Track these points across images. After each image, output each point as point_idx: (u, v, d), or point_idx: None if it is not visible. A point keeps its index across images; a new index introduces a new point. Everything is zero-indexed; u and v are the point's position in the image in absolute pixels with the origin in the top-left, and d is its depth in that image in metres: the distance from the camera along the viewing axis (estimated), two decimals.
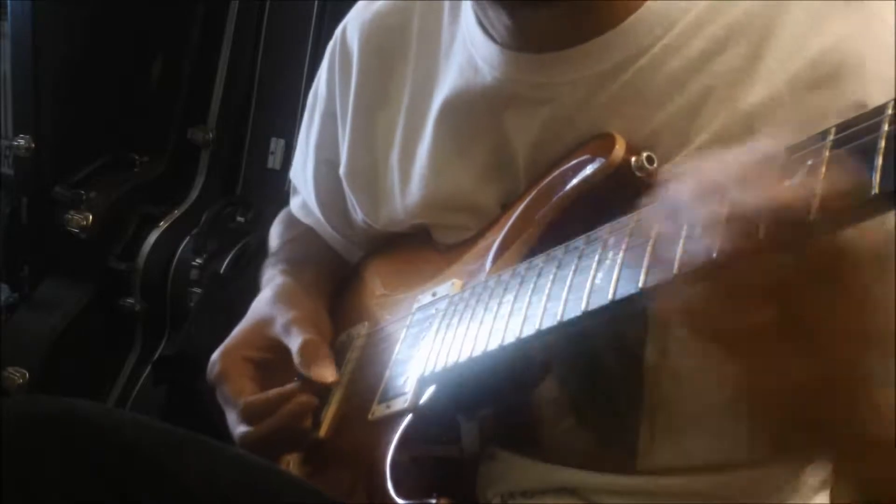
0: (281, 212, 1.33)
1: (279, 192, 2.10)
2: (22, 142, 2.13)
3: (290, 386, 1.02)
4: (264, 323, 1.09)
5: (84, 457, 0.84)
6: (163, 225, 2.19)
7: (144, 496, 0.85)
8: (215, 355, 1.08)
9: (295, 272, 1.17)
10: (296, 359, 1.02)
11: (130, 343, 2.19)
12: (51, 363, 2.11)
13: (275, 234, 1.29)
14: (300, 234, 1.25)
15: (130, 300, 2.17)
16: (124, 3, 2.18)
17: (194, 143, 2.25)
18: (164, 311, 2.14)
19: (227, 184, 2.25)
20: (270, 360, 1.06)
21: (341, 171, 1.13)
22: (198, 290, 2.07)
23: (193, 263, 2.10)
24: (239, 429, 1.02)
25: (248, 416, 1.02)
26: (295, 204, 1.28)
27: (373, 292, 1.12)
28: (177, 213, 2.21)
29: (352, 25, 1.12)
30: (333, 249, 1.22)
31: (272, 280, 1.16)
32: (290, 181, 1.29)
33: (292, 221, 1.28)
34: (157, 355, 2.11)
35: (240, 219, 2.15)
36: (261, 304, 1.13)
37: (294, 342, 1.03)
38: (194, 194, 2.24)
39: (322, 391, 1.02)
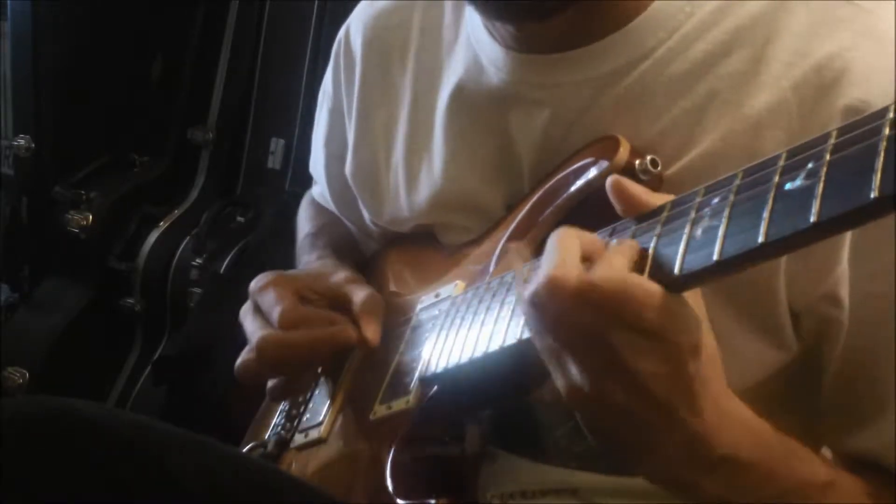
0: (304, 196, 1.33)
1: (279, 192, 2.10)
2: (22, 142, 2.13)
3: (340, 315, 1.01)
4: (318, 275, 1.08)
5: (84, 457, 0.84)
6: (163, 225, 2.18)
7: (144, 496, 0.85)
8: (262, 275, 1.05)
9: (337, 260, 1.16)
10: (357, 307, 1.01)
11: (130, 343, 2.19)
12: (51, 363, 2.10)
13: (304, 217, 1.29)
14: (334, 219, 1.25)
15: (130, 300, 2.17)
16: (124, 4, 2.18)
17: (194, 143, 2.24)
18: (164, 311, 2.14)
19: (227, 184, 2.24)
20: (318, 303, 1.04)
21: (346, 169, 1.13)
22: (198, 290, 2.07)
23: (193, 263, 2.09)
24: (264, 330, 1.00)
25: (285, 319, 0.99)
26: (316, 191, 1.29)
27: (380, 291, 1.12)
28: (177, 213, 2.20)
29: (355, 25, 1.12)
30: (355, 238, 1.22)
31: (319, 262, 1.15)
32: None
33: (321, 206, 1.28)
34: (157, 355, 2.11)
35: (240, 219, 2.15)
36: (309, 265, 1.12)
37: (358, 293, 1.02)
38: (194, 194, 2.24)
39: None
